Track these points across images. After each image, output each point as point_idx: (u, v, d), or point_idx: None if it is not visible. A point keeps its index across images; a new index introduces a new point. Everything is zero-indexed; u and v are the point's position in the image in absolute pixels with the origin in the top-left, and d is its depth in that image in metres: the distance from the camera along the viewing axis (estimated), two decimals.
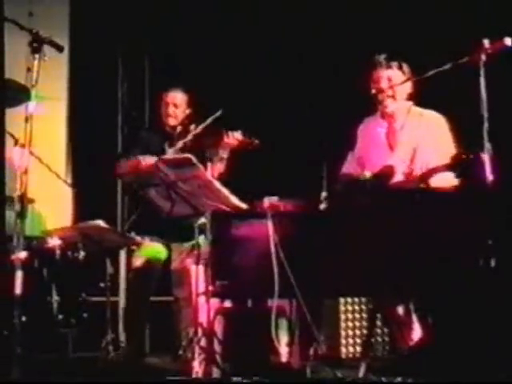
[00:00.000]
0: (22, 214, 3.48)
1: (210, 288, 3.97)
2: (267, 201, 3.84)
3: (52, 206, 5.78)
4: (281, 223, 3.75)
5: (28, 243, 4.37)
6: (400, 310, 3.85)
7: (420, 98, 4.15)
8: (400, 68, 4.09)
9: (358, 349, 4.96)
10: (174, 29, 6.42)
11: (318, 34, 5.94)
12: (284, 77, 6.04)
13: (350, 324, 5.04)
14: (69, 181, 6.00)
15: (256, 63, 6.16)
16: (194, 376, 3.87)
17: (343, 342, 4.99)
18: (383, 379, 3.44)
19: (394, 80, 4.07)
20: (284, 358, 3.87)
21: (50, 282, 4.58)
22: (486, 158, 3.24)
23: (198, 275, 4.19)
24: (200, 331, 4.00)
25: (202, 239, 4.24)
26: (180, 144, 4.60)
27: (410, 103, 4.15)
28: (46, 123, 4.84)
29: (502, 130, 3.51)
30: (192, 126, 4.74)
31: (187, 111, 4.92)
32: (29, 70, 3.51)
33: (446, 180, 3.54)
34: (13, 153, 4.40)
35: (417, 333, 3.78)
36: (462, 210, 3.35)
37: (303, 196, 3.84)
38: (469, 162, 3.34)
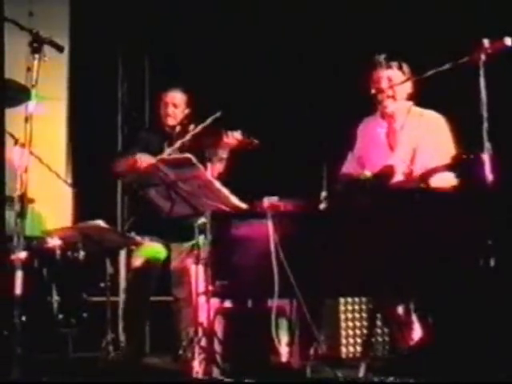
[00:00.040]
0: (22, 214, 3.48)
1: (210, 288, 3.97)
2: (267, 201, 3.84)
3: (52, 206, 5.78)
4: (281, 223, 3.75)
5: (28, 243, 4.37)
6: (400, 309, 3.85)
7: (420, 97, 4.15)
8: (400, 68, 4.09)
9: (358, 349, 4.95)
10: (173, 29, 6.42)
11: (318, 34, 5.94)
12: (284, 77, 6.04)
13: (350, 324, 5.04)
14: (69, 181, 6.00)
15: (256, 63, 6.16)
16: (194, 376, 3.87)
17: (343, 341, 4.99)
18: (383, 379, 3.43)
19: (394, 80, 4.07)
20: (284, 358, 3.87)
21: (50, 281, 4.58)
22: (486, 158, 3.24)
23: (198, 275, 4.19)
24: (200, 331, 3.99)
25: (201, 239, 4.24)
26: (178, 143, 4.60)
27: (410, 103, 4.15)
28: (46, 123, 4.84)
29: (502, 129, 3.51)
30: (191, 126, 4.73)
31: (186, 111, 4.91)
32: (29, 69, 3.51)
33: (446, 180, 3.54)
34: (13, 153, 4.40)
35: (417, 333, 3.77)
36: (462, 210, 3.35)
37: (303, 196, 3.84)
38: (469, 163, 3.34)
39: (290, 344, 3.87)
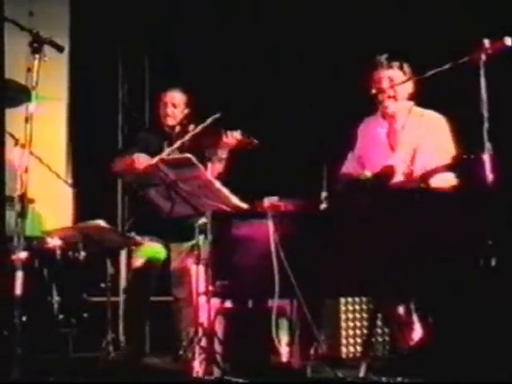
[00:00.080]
0: (22, 214, 3.48)
1: (211, 288, 3.97)
2: (267, 201, 3.85)
3: (52, 206, 5.78)
4: (281, 223, 3.75)
5: (28, 243, 4.37)
6: (400, 309, 3.85)
7: (420, 97, 4.15)
8: (401, 68, 4.09)
9: (359, 349, 4.95)
10: (174, 29, 6.42)
11: (318, 34, 5.94)
12: (284, 77, 6.04)
13: (351, 324, 5.04)
14: (69, 181, 5.99)
15: (256, 63, 6.16)
16: (194, 376, 3.87)
17: (344, 341, 4.99)
18: (384, 379, 3.44)
19: (396, 80, 4.06)
20: (284, 358, 3.87)
21: (50, 282, 4.58)
22: (486, 158, 3.24)
23: (199, 275, 4.19)
24: (200, 331, 3.99)
25: (202, 239, 4.24)
26: (178, 143, 4.60)
27: (411, 103, 4.15)
28: (46, 123, 4.83)
29: (503, 129, 3.51)
30: (191, 126, 4.73)
31: (186, 111, 4.91)
32: (29, 70, 3.51)
33: (447, 180, 3.54)
34: (13, 153, 4.40)
35: (417, 333, 3.78)
36: (462, 209, 3.35)
37: (303, 196, 3.84)
38: (470, 163, 3.34)
39: (291, 344, 3.88)
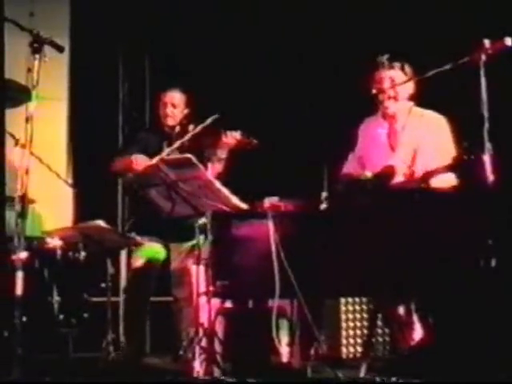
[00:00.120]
0: (22, 215, 3.48)
1: (211, 288, 3.97)
2: (268, 201, 3.85)
3: (52, 207, 5.78)
4: (281, 223, 3.75)
5: (29, 243, 4.37)
6: (401, 310, 3.86)
7: (421, 98, 4.15)
8: (402, 69, 4.08)
9: (359, 349, 4.96)
10: (174, 29, 6.42)
11: (318, 34, 5.94)
12: (284, 77, 6.04)
13: (351, 324, 5.04)
14: (69, 181, 5.99)
15: (256, 63, 6.16)
16: (194, 376, 3.87)
17: (344, 342, 4.99)
18: (384, 379, 3.43)
19: (397, 81, 4.06)
20: (285, 358, 3.87)
21: (50, 282, 4.58)
22: (486, 159, 3.24)
23: (199, 275, 4.19)
24: (201, 331, 3.99)
25: (202, 239, 4.24)
26: (177, 144, 4.60)
27: (411, 104, 4.15)
28: (46, 123, 4.83)
29: (503, 129, 3.51)
30: (190, 126, 4.73)
31: (185, 111, 4.91)
32: (29, 70, 3.51)
33: (447, 181, 3.54)
34: (13, 153, 4.40)
35: (417, 333, 3.78)
36: (462, 210, 3.35)
37: (304, 196, 3.84)
38: (470, 164, 3.34)
39: (291, 344, 3.88)
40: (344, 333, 5.00)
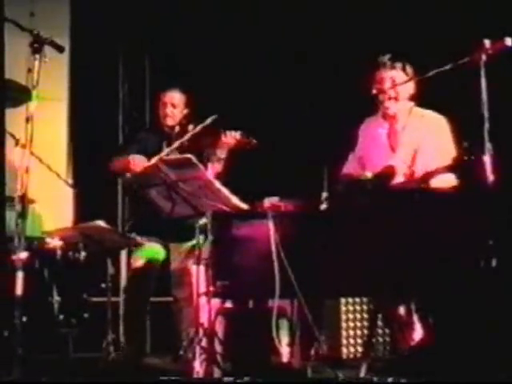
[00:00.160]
0: (22, 215, 3.48)
1: (211, 288, 3.97)
2: (268, 201, 3.84)
3: (53, 207, 5.78)
4: (281, 223, 3.75)
5: (29, 244, 4.36)
6: (401, 310, 3.85)
7: (421, 98, 4.15)
8: (404, 69, 4.08)
9: (359, 349, 4.96)
10: (174, 29, 6.42)
11: (318, 34, 5.94)
12: (284, 77, 6.04)
13: (351, 324, 5.04)
14: (69, 181, 5.99)
15: (256, 63, 6.16)
16: (194, 376, 3.87)
17: (344, 342, 4.99)
18: (384, 379, 3.43)
19: (398, 81, 4.06)
20: (285, 359, 3.87)
21: (50, 282, 4.58)
22: (487, 159, 3.24)
23: (199, 275, 4.19)
24: (201, 331, 3.99)
25: (202, 239, 4.24)
26: (177, 144, 4.59)
27: (412, 104, 4.15)
28: (46, 124, 4.84)
29: (503, 129, 3.51)
30: (190, 126, 4.73)
31: (185, 111, 4.91)
32: (29, 70, 3.51)
33: (447, 181, 3.54)
34: (13, 153, 4.40)
35: (418, 333, 3.77)
36: (463, 210, 3.35)
37: (304, 196, 3.84)
38: (470, 164, 3.34)
39: (291, 344, 3.88)
40: (344, 333, 5.00)
